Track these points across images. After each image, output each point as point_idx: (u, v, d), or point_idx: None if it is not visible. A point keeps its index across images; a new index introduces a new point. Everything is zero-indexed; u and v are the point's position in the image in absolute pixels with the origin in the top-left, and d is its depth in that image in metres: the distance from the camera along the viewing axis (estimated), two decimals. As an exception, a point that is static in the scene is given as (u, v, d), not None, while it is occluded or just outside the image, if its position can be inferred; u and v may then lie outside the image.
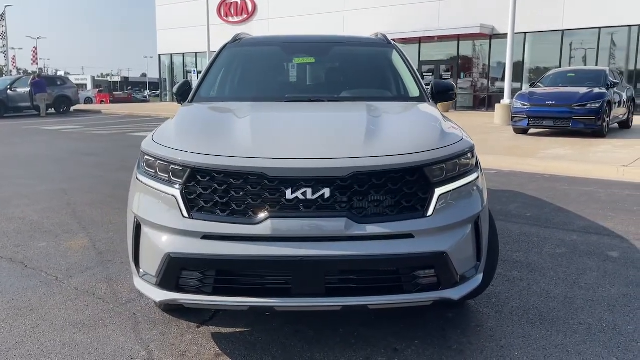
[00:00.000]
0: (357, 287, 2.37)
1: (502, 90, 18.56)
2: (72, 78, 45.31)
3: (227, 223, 2.33)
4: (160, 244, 2.38)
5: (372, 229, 2.32)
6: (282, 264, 2.29)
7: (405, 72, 3.99)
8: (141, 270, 2.54)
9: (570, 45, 22.77)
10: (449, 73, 25.28)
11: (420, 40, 25.25)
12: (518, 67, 22.81)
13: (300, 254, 2.26)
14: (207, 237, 2.33)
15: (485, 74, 25.01)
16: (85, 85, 68.95)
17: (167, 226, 2.39)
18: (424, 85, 3.80)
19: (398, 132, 2.73)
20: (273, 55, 4.34)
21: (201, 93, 3.76)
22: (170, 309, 3.04)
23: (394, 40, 4.37)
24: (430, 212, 2.40)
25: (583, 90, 12.43)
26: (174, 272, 2.36)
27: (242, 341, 2.77)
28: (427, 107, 3.39)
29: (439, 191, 2.43)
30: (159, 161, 2.51)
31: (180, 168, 2.41)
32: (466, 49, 25.20)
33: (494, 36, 23.87)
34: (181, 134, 2.78)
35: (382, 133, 2.63)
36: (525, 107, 12.63)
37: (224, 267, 2.35)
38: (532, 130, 13.28)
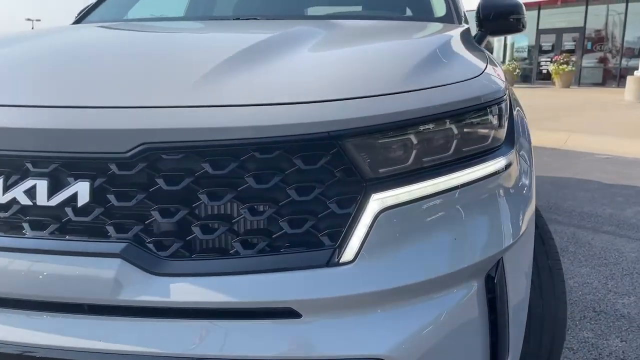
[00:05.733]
0: None
1: (638, 66, 15.47)
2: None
3: None
4: None
5: (186, 292, 0.93)
6: None
7: None
8: None
9: None
10: (574, 43, 21.97)
11: (539, 5, 22.13)
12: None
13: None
14: None
15: (618, 45, 21.38)
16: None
17: None
18: (459, 3, 2.21)
19: (311, 66, 1.21)
20: None
21: (102, 9, 2.44)
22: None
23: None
24: (350, 254, 0.95)
25: None
26: None
27: None
28: (433, 28, 1.83)
29: (379, 200, 0.97)
30: None
31: None
32: (596, 15, 21.65)
33: (632, -1, 20.23)
34: None
35: (260, 67, 1.13)
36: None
37: None
38: (674, 109, 10.57)
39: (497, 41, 24.12)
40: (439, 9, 2.17)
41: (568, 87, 19.67)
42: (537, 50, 22.96)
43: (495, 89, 1.17)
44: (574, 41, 22.04)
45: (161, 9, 3.22)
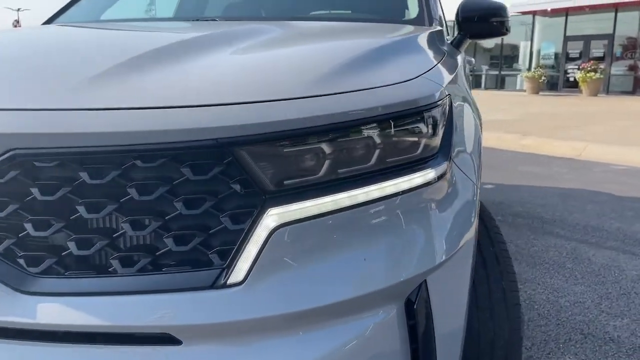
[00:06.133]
0: None
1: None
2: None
3: None
4: None
5: (56, 313, 0.85)
6: None
7: None
8: None
9: None
10: (602, 51, 21.39)
11: (567, 12, 21.67)
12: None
13: None
14: None
15: (649, 52, 20.74)
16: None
17: None
18: (435, 4, 2.09)
19: (219, 70, 1.08)
20: None
21: (75, 9, 2.39)
22: None
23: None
24: (239, 275, 0.86)
25: None
26: None
27: None
28: (392, 29, 1.71)
29: (276, 215, 0.88)
30: None
31: None
32: (625, 21, 21.07)
33: (664, 5, 19.62)
34: None
35: (163, 70, 1.04)
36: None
37: None
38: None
39: (522, 47, 23.72)
40: (413, 11, 2.07)
41: (595, 95, 19.17)
42: (564, 57, 22.43)
43: (429, 93, 1.06)
44: (603, 48, 21.47)
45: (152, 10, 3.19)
